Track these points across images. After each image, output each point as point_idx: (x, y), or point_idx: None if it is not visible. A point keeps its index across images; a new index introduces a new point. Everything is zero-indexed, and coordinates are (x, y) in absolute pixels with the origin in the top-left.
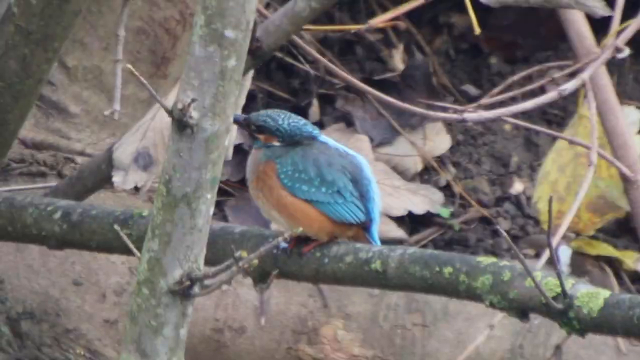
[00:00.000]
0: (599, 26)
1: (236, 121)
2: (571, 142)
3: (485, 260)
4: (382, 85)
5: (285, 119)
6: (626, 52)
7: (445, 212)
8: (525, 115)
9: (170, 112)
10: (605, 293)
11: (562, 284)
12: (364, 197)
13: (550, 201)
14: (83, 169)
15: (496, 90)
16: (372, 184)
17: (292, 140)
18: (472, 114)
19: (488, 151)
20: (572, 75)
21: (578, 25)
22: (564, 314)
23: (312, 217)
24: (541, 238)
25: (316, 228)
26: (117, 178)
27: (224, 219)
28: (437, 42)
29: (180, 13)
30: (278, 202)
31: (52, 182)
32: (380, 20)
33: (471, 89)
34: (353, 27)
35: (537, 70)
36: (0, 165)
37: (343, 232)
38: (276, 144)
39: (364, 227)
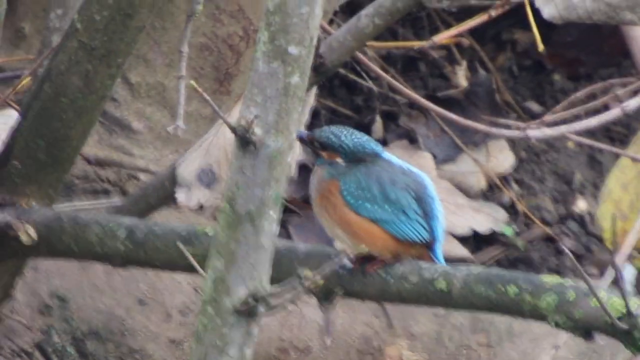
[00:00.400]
0: None
1: (299, 138)
2: (634, 160)
3: (550, 279)
4: (445, 102)
5: (349, 136)
6: None
7: (509, 231)
8: (588, 132)
9: (233, 129)
10: None
11: (627, 304)
12: (427, 215)
13: (613, 219)
14: (146, 186)
15: (559, 107)
16: (435, 202)
17: (356, 157)
18: (535, 131)
19: (551, 169)
20: (636, 92)
21: None
22: (629, 334)
23: (375, 235)
24: (605, 257)
25: (380, 246)
26: (180, 195)
27: (288, 237)
28: (500, 58)
29: (243, 29)
30: (342, 220)
31: (116, 199)
32: (443, 36)
33: (534, 106)
34: (416, 44)
35: (601, 87)
36: (63, 182)
37: (407, 250)
38: (339, 160)
39: (428, 246)
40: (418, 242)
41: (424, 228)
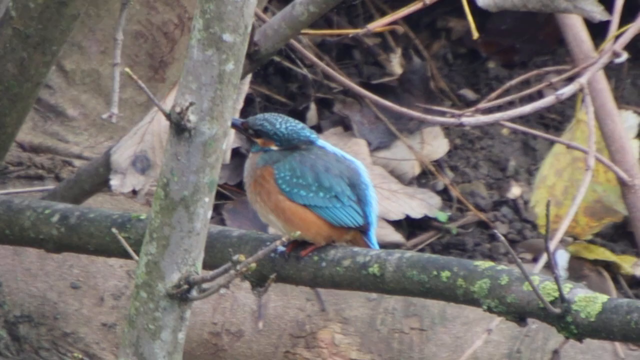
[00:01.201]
0: (597, 31)
1: (234, 125)
2: (569, 147)
3: (482, 264)
4: (380, 90)
5: (283, 123)
6: (624, 56)
7: (442, 216)
8: (523, 119)
9: (168, 116)
10: (603, 297)
11: (559, 288)
12: (361, 201)
13: (547, 205)
14: (81, 172)
15: (494, 94)
16: (369, 188)
17: (290, 144)
18: (470, 118)
19: (485, 155)
20: (570, 79)
21: (576, 29)
22: (562, 318)
23: (309, 221)
24: (539, 242)
25: (313, 232)
26: (115, 181)
27: (222, 222)
28: (435, 46)
29: (178, 17)
30: (276, 206)
31: (50, 186)
32: (378, 24)
33: (469, 94)
34: (351, 31)
35: (535, 74)
36: None
37: (341, 236)
38: (274, 148)
39: (362, 231)
40: (352, 227)
41: (358, 213)
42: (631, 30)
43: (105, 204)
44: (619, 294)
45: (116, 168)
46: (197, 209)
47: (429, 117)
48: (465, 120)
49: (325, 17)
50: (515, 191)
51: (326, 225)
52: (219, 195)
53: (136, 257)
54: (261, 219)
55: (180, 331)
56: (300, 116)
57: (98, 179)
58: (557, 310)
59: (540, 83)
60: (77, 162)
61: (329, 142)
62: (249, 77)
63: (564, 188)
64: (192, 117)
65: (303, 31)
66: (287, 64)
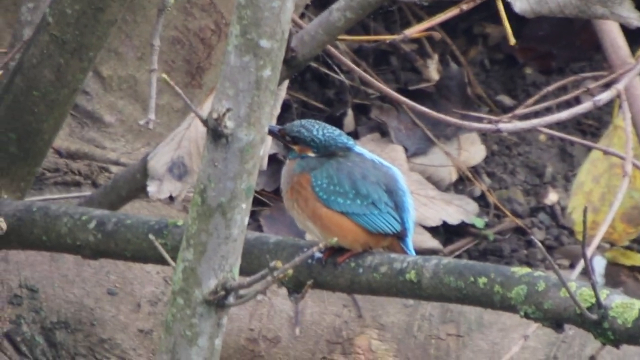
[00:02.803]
0: (634, 37)
1: (271, 132)
2: (606, 153)
3: (519, 270)
4: (416, 96)
5: (320, 130)
6: None
7: (479, 223)
8: (560, 125)
9: (205, 122)
10: None
11: (596, 295)
12: (398, 207)
13: (584, 212)
14: (117, 178)
15: (531, 100)
16: (406, 195)
17: (327, 151)
18: (507, 124)
19: (522, 161)
20: (607, 85)
21: (613, 35)
22: (599, 324)
23: (346, 228)
24: (576, 248)
25: (351, 239)
26: (152, 187)
27: (259, 228)
28: (472, 52)
29: (215, 23)
30: (313, 213)
31: (87, 192)
32: (415, 30)
33: (506, 100)
34: (388, 37)
35: (572, 80)
36: (35, 175)
37: (378, 242)
38: (311, 154)
39: (399, 237)
40: (390, 233)
41: (395, 219)
42: None
43: (142, 210)
44: None
45: (153, 174)
46: (234, 216)
47: (466, 123)
48: (502, 126)
49: (362, 23)
50: (552, 197)
51: (363, 232)
52: (256, 202)
53: (173, 264)
54: (298, 226)
55: (217, 337)
56: (338, 122)
57: (135, 185)
58: (594, 317)
59: (577, 89)
60: (114, 169)
61: (366, 148)
62: (286, 83)
63: (601, 194)
64: (229, 123)
65: (340, 37)
66: (324, 70)
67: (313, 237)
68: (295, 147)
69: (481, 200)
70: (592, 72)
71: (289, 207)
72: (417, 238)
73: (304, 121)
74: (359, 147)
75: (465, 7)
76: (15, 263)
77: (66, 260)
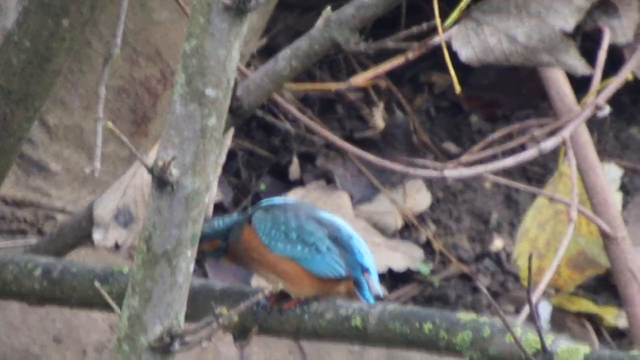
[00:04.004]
0: (580, 84)
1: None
2: (551, 199)
3: (465, 316)
4: (362, 143)
5: (220, 221)
6: (606, 110)
7: (425, 269)
8: (505, 172)
9: (150, 170)
10: (585, 349)
11: (542, 340)
12: (348, 252)
13: (530, 258)
14: (63, 226)
15: (476, 147)
16: (354, 239)
17: (230, 232)
18: (452, 171)
19: (468, 208)
20: (553, 133)
21: (559, 83)
22: None
23: (300, 274)
24: (521, 294)
25: (307, 285)
26: (97, 235)
27: (204, 275)
28: (417, 100)
29: (161, 72)
30: (266, 261)
31: (33, 240)
32: (360, 78)
33: (452, 147)
34: (334, 86)
35: (518, 128)
36: None
37: (332, 288)
38: (222, 244)
39: (355, 283)
40: (333, 278)
41: (339, 264)
42: (613, 83)
43: (88, 258)
44: (602, 346)
45: (99, 222)
46: (180, 263)
47: (411, 170)
48: (447, 173)
49: (308, 72)
50: (497, 244)
51: (313, 277)
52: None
53: (119, 311)
54: (263, 279)
55: None
56: (283, 170)
57: (81, 232)
58: None
59: (522, 136)
60: (60, 216)
61: (311, 196)
62: (231, 131)
63: (547, 240)
64: (174, 171)
65: (286, 85)
66: (270, 118)
67: (259, 284)
68: (205, 246)
69: (427, 246)
70: (538, 120)
71: (255, 270)
72: None
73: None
74: (278, 199)
75: (411, 55)
76: None
77: (12, 308)
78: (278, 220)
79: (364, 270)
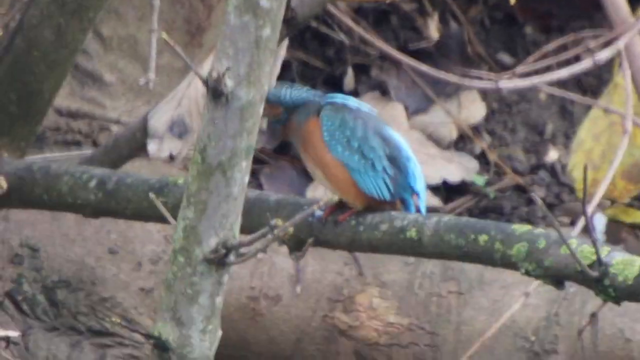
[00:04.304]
0: None
1: None
2: (606, 110)
3: (520, 228)
4: (417, 55)
5: (289, 89)
6: None
7: (480, 180)
8: (560, 83)
9: (205, 81)
10: None
11: (597, 252)
12: (402, 173)
13: (585, 169)
14: (118, 137)
15: (531, 59)
16: (411, 161)
17: (296, 105)
18: (507, 82)
19: (523, 119)
20: (607, 44)
21: None
22: (600, 281)
23: (348, 182)
24: (576, 206)
25: (353, 195)
26: (152, 146)
27: (259, 187)
28: (472, 11)
29: None
30: (320, 159)
31: (88, 151)
32: None
33: (506, 58)
34: None
35: (572, 39)
36: (35, 134)
37: (378, 204)
38: (282, 113)
39: (403, 203)
40: (376, 198)
41: (387, 187)
42: None
43: (143, 169)
44: None
45: (153, 133)
46: (235, 174)
47: (466, 81)
48: (502, 84)
49: None
50: (552, 155)
51: (357, 188)
52: (256, 160)
53: (174, 222)
54: (314, 179)
55: (218, 296)
56: (338, 81)
57: (135, 144)
58: (595, 274)
59: (577, 47)
60: (115, 127)
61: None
62: (285, 42)
63: (602, 152)
64: (229, 82)
65: None
66: (324, 29)
67: (314, 194)
68: (266, 110)
69: (482, 158)
70: (592, 31)
71: (305, 161)
72: None
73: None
74: (353, 100)
75: None
76: (16, 222)
77: (67, 219)
78: (346, 124)
79: (414, 193)
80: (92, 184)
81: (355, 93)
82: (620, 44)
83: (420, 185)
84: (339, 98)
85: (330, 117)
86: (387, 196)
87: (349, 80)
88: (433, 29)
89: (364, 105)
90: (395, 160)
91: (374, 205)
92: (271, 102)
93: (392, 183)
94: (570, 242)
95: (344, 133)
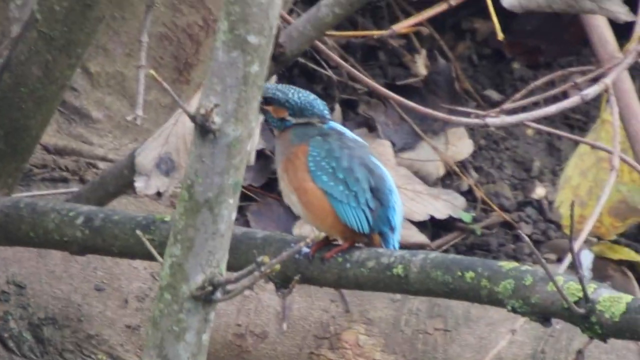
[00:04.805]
0: (622, 31)
1: None
2: (593, 147)
3: (507, 265)
4: (404, 91)
5: (296, 93)
6: None
7: (467, 217)
8: (547, 120)
9: (192, 117)
10: (627, 297)
11: (584, 289)
12: (383, 205)
13: (572, 206)
14: (105, 174)
15: (518, 95)
16: (393, 194)
17: (303, 115)
18: (495, 119)
19: (510, 156)
20: (595, 80)
21: (601, 30)
22: (586, 318)
23: (326, 210)
24: (563, 243)
25: (329, 224)
26: (139, 183)
27: (246, 224)
28: (459, 47)
29: (203, 19)
30: (300, 185)
31: (74, 188)
32: (403, 25)
33: (494, 94)
34: (376, 33)
35: (560, 75)
36: (22, 171)
37: (355, 236)
38: (287, 117)
39: (381, 235)
40: (355, 230)
41: (367, 220)
42: None
43: (130, 206)
44: None
45: (140, 170)
46: (222, 211)
47: (453, 117)
48: (489, 120)
49: (350, 19)
50: (539, 192)
51: (335, 217)
52: (244, 197)
53: (160, 259)
54: (285, 201)
55: (204, 333)
56: None
57: (122, 180)
58: (582, 311)
59: (565, 84)
60: (102, 165)
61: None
62: (274, 78)
63: (589, 188)
64: (216, 119)
65: (328, 33)
66: (312, 65)
67: (300, 230)
68: (270, 108)
69: (469, 194)
70: (580, 67)
71: (279, 178)
72: (404, 232)
73: (279, 85)
74: (334, 123)
75: (453, 2)
76: (2, 259)
77: (53, 256)
78: (332, 154)
79: (391, 227)
80: (79, 221)
81: None
82: (607, 80)
83: (398, 219)
84: (332, 124)
85: (317, 147)
86: (366, 229)
87: (337, 116)
88: (421, 65)
89: (358, 138)
90: (379, 191)
91: (350, 236)
92: (278, 102)
93: (372, 216)
94: (557, 279)
95: (329, 164)
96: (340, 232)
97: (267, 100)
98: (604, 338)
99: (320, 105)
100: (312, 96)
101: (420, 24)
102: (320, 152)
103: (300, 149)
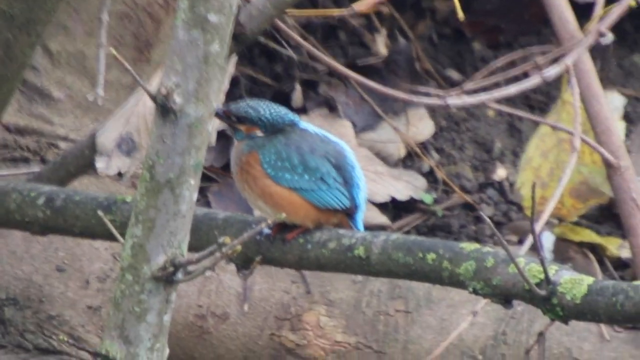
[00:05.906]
0: (582, 11)
1: (216, 114)
2: (554, 128)
3: (468, 246)
4: (365, 71)
5: (267, 109)
6: (609, 37)
7: (428, 198)
8: (508, 100)
9: (153, 97)
10: (588, 279)
11: (545, 270)
12: (348, 183)
13: (533, 187)
14: (66, 154)
15: (479, 75)
16: (356, 170)
17: (274, 129)
18: (455, 100)
19: (471, 137)
20: (556, 60)
21: (561, 10)
22: (547, 300)
23: (297, 205)
24: (524, 224)
25: (302, 216)
26: (100, 164)
27: (207, 204)
28: (420, 27)
29: None
30: (263, 191)
31: (36, 168)
32: (363, 5)
33: (454, 74)
34: (336, 12)
35: (520, 55)
36: None
37: (328, 219)
38: (259, 133)
39: (348, 214)
40: (339, 209)
41: (345, 195)
42: (616, 10)
43: (91, 187)
44: (605, 276)
45: (101, 150)
46: (183, 191)
47: (414, 98)
48: (450, 101)
49: None
50: (500, 173)
51: (313, 208)
52: (205, 178)
53: (122, 240)
54: (251, 206)
55: (165, 314)
56: (286, 97)
57: (83, 161)
58: (543, 292)
59: (525, 64)
60: (63, 144)
61: (314, 124)
62: (234, 58)
63: (550, 169)
64: (177, 99)
65: (288, 11)
66: (272, 44)
67: (265, 215)
68: (242, 127)
69: (430, 176)
70: (541, 47)
71: (240, 188)
72: (365, 214)
73: (249, 101)
74: (304, 123)
75: None
76: None
77: (15, 236)
78: (281, 155)
79: (355, 205)
80: (40, 201)
81: (303, 109)
82: (568, 61)
83: (362, 197)
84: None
85: (265, 152)
86: (347, 203)
87: (297, 96)
88: (381, 45)
89: (303, 123)
90: (341, 169)
91: (323, 221)
92: (251, 121)
93: (345, 189)
94: (518, 260)
95: (284, 162)
96: (313, 219)
97: (239, 119)
98: (565, 320)
99: (289, 115)
100: (282, 109)
101: (380, 3)
102: (270, 156)
103: (251, 157)
